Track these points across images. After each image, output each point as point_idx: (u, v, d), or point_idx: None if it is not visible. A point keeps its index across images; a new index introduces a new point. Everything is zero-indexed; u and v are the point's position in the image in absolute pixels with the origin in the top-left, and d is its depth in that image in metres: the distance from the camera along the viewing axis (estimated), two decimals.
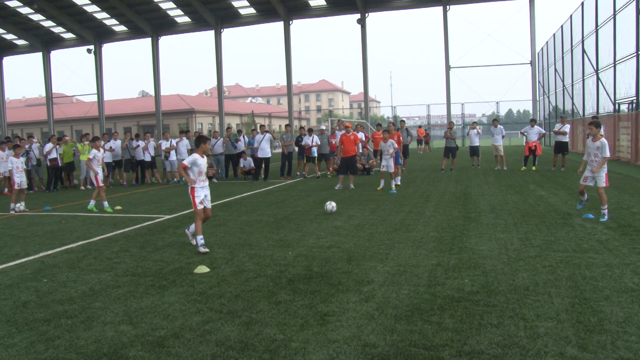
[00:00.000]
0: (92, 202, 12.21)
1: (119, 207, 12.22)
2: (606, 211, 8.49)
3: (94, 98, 48.06)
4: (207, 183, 7.55)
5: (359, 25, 39.61)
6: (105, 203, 12.03)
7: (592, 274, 5.53)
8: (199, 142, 7.46)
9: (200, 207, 7.35)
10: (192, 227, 7.54)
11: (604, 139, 8.62)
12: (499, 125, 20.71)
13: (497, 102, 50.47)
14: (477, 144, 21.29)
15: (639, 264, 5.85)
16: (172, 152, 19.10)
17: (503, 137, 20.75)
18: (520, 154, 24.53)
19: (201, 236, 7.28)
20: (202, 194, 7.39)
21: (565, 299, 4.78)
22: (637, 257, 6.17)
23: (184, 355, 3.87)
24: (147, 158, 19.25)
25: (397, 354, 3.75)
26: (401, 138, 16.89)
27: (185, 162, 7.36)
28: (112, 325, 4.53)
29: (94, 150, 12.39)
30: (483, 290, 5.13)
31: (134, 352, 3.96)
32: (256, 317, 4.62)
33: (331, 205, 10.39)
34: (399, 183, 15.30)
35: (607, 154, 8.44)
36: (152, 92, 53.10)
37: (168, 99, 63.51)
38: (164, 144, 19.22)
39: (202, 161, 7.40)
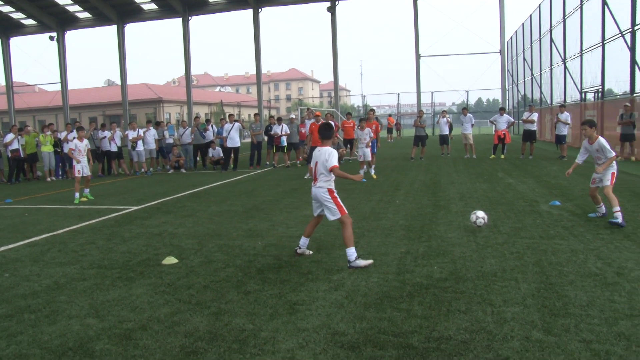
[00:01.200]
0: (87, 190, 12.23)
1: (85, 199, 11.97)
2: (619, 213, 7.12)
3: (58, 87, 46.78)
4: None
5: (329, 14, 39.48)
6: (77, 194, 11.78)
7: (557, 260, 5.67)
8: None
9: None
10: None
11: (601, 139, 7.64)
12: (468, 114, 20.98)
13: (467, 91, 51.03)
14: (447, 133, 21.54)
15: (603, 250, 6.02)
16: (140, 143, 18.80)
17: (472, 125, 21.04)
18: (489, 142, 24.96)
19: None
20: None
21: (531, 284, 4.90)
22: (600, 242, 6.36)
23: (152, 347, 3.84)
24: (114, 148, 18.90)
25: (367, 342, 3.79)
26: (379, 127, 16.94)
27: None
28: (77, 319, 4.45)
29: (76, 141, 12.10)
30: (452, 277, 5.22)
31: (100, 345, 3.90)
32: (225, 307, 4.60)
33: (476, 216, 7.26)
34: (373, 173, 15.33)
35: (611, 153, 7.48)
36: (118, 81, 51.94)
37: (135, 88, 62.30)
38: (131, 134, 18.89)
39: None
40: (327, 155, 5.86)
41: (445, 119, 21.27)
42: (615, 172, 7.56)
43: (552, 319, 4.06)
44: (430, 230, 7.41)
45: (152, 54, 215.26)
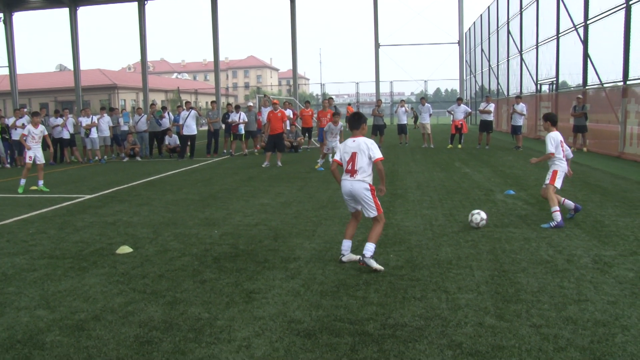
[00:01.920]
0: (40, 182, 11.40)
1: (35, 187, 11.54)
2: (557, 214, 6.73)
3: (5, 71, 44.74)
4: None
5: (289, 1, 39.17)
6: (22, 181, 11.25)
7: (511, 248, 5.83)
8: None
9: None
10: None
11: (549, 134, 7.11)
12: (426, 104, 21.30)
13: (426, 81, 51.76)
14: (405, 122, 21.80)
15: (554, 238, 6.22)
16: (93, 130, 18.24)
17: (430, 115, 21.35)
18: (446, 132, 25.39)
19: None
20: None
21: (485, 271, 5.03)
22: (552, 231, 6.56)
23: (105, 337, 3.77)
24: (66, 135, 18.28)
25: (323, 329, 3.82)
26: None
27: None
28: (27, 311, 4.31)
29: (30, 127, 11.49)
30: (408, 265, 5.31)
31: (51, 337, 3.80)
32: (181, 296, 4.56)
33: (478, 216, 6.78)
34: (330, 161, 15.45)
35: (548, 150, 7.03)
36: (70, 67, 50.15)
37: (88, 73, 60.27)
38: (84, 121, 18.30)
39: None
40: (370, 145, 5.35)
41: (403, 109, 21.53)
42: (559, 172, 6.97)
43: (505, 305, 4.18)
44: (387, 218, 7.43)
45: (107, 38, 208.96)
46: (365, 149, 5.33)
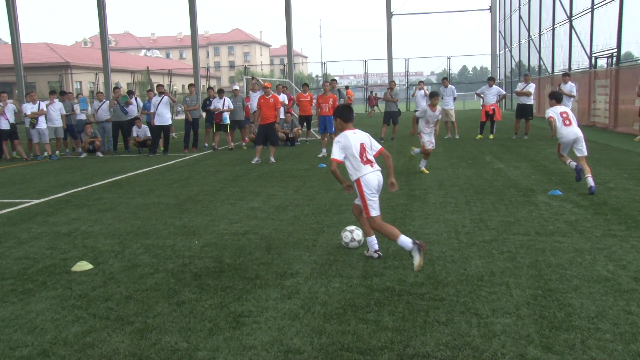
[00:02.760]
0: None
1: None
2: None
3: None
4: None
5: None
6: None
7: (558, 261, 5.79)
8: None
9: None
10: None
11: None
12: (449, 85, 21.28)
13: (449, 58, 51.73)
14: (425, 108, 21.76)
15: (615, 249, 6.16)
16: (41, 119, 18.22)
17: (455, 99, 21.34)
18: (475, 119, 25.41)
19: None
20: None
21: (526, 290, 5.00)
22: (612, 240, 6.50)
23: None
24: (5, 126, 18.15)
25: None
26: (337, 103, 17.03)
27: None
28: None
29: None
30: (429, 281, 5.30)
31: None
32: (153, 322, 4.54)
33: (350, 235, 6.54)
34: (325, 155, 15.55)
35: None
36: (7, 39, 50.18)
37: (32, 48, 60.43)
38: (29, 108, 18.27)
39: None
40: (369, 135, 6.18)
41: (422, 92, 21.51)
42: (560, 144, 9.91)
43: (553, 333, 4.15)
44: (404, 225, 7.50)
45: (56, 5, 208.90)
46: (368, 140, 6.04)
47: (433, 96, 12.60)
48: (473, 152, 15.75)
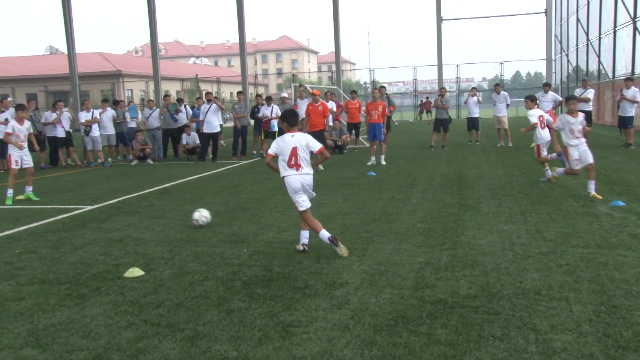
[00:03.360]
0: (29, 189, 11.85)
1: (22, 197, 11.90)
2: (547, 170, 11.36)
3: None
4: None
5: None
6: (10, 191, 11.46)
7: (622, 276, 5.62)
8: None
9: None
10: None
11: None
12: (502, 92, 20.98)
13: (502, 63, 50.88)
14: (477, 115, 21.52)
15: None
16: (95, 127, 18.71)
17: (508, 106, 21.02)
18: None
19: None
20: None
21: (588, 306, 4.86)
22: None
23: None
24: (61, 134, 18.78)
25: None
26: (386, 110, 16.99)
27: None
28: (11, 350, 4.40)
29: (14, 122, 11.73)
30: (483, 294, 5.22)
31: None
32: (203, 330, 4.60)
33: (199, 214, 8.46)
34: (383, 163, 15.53)
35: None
36: (64, 49, 51.78)
37: (86, 58, 62.08)
38: (83, 116, 18.80)
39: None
40: (308, 138, 6.87)
41: (474, 99, 21.28)
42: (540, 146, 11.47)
43: (620, 354, 4.01)
44: (455, 235, 7.41)
45: (109, 16, 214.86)
46: (305, 143, 6.78)
47: (570, 100, 10.52)
48: (528, 160, 15.46)
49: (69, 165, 19.09)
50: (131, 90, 64.93)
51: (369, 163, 15.70)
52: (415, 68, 53.07)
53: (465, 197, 10.17)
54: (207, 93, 19.57)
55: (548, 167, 11.46)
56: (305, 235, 6.90)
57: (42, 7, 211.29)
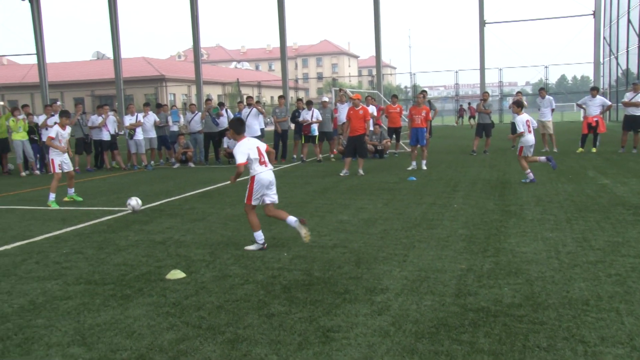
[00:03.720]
0: (71, 191, 12.15)
1: (67, 198, 12.17)
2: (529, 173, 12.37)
3: (33, 59, 47.52)
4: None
5: None
6: (52, 195, 11.53)
7: None
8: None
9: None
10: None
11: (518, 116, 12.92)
12: (547, 96, 20.59)
13: (546, 67, 50.01)
14: None
15: None
16: (138, 130, 19.05)
17: (553, 110, 20.66)
18: (576, 132, 24.44)
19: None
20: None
21: None
22: None
23: None
24: (106, 137, 19.18)
25: None
26: (430, 115, 16.87)
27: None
28: (58, 348, 4.50)
29: (58, 127, 11.98)
30: (527, 302, 5.12)
31: None
32: (243, 333, 4.62)
33: (134, 202, 10.43)
34: (424, 168, 15.48)
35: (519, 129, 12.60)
36: (110, 54, 52.88)
37: (131, 62, 63.38)
38: (128, 120, 19.16)
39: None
40: (258, 141, 7.65)
41: None
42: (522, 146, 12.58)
43: None
44: (498, 242, 7.30)
45: (153, 21, 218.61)
46: (259, 144, 7.52)
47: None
48: (574, 166, 15.16)
49: (113, 167, 19.46)
50: (174, 95, 65.98)
51: (410, 168, 15.60)
52: (457, 72, 52.70)
53: (508, 203, 10.02)
54: (248, 97, 19.73)
55: (529, 170, 12.43)
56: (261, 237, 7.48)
57: (90, 14, 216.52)
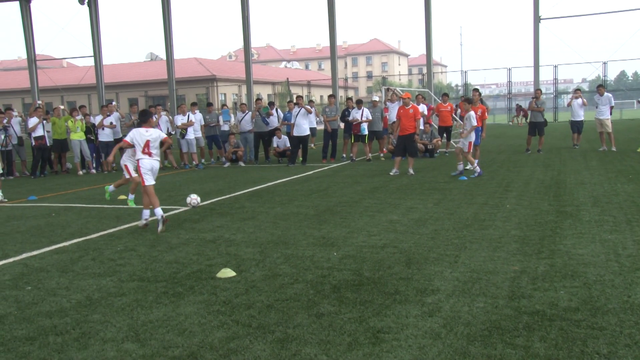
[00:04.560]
0: (131, 196, 11.79)
1: (123, 196, 12.43)
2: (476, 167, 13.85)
3: (90, 62, 48.62)
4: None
5: None
6: (132, 196, 11.59)
7: None
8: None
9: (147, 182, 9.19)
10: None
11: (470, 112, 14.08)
12: (605, 93, 20.04)
13: (605, 63, 48.49)
14: (582, 119, 20.65)
15: None
16: (190, 130, 19.34)
17: (612, 108, 20.11)
18: (636, 130, 23.76)
19: (147, 211, 9.25)
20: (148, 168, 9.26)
21: None
22: None
23: None
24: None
25: None
26: (486, 114, 16.56)
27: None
28: (113, 343, 4.59)
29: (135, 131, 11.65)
30: (585, 307, 4.97)
31: None
32: (293, 332, 4.62)
33: (191, 199, 11.06)
34: (462, 169, 15.21)
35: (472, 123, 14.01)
36: (163, 55, 53.87)
37: (183, 63, 64.39)
38: (179, 119, 19.48)
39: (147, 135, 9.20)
40: (159, 132, 9.36)
41: (580, 100, 20.38)
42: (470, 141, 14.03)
43: None
44: (553, 243, 7.14)
45: (205, 23, 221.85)
46: (157, 136, 9.13)
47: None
48: (635, 165, 14.70)
49: (166, 167, 19.76)
50: (224, 94, 66.74)
51: (459, 169, 15.36)
52: (509, 70, 51.64)
53: (564, 204, 9.78)
54: (298, 97, 19.80)
55: (462, 162, 14.05)
56: (146, 214, 9.06)
57: (144, 16, 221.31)
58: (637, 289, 5.41)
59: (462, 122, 15.38)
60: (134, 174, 9.86)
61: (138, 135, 9.03)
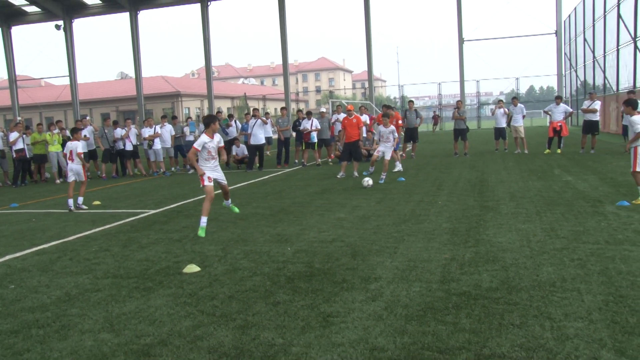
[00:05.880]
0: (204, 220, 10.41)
1: (97, 202, 12.20)
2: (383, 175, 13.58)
3: (66, 81, 47.59)
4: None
5: None
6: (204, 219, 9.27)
7: (629, 269, 5.48)
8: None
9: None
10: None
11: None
12: (519, 104, 20.60)
13: (517, 78, 50.00)
14: (504, 125, 21.13)
15: None
16: (157, 141, 19.07)
17: (524, 117, 20.67)
18: (543, 135, 24.50)
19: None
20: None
21: (597, 296, 4.76)
22: None
23: None
24: (129, 147, 19.18)
25: (409, 358, 3.75)
26: (400, 121, 16.85)
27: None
28: (91, 334, 4.53)
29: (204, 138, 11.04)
30: (503, 286, 5.13)
31: None
32: (252, 319, 4.63)
33: (366, 182, 12.51)
34: (400, 169, 15.64)
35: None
36: (132, 74, 52.91)
37: (151, 81, 63.34)
38: (147, 132, 19.17)
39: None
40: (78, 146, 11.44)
41: (502, 110, 20.84)
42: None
43: (626, 338, 3.92)
44: (478, 234, 7.31)
45: (169, 43, 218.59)
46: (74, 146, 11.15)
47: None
48: (542, 165, 15.17)
49: (135, 174, 19.45)
50: (188, 108, 65.88)
51: (396, 169, 15.58)
52: (439, 84, 52.55)
53: (487, 199, 10.03)
54: (254, 109, 19.75)
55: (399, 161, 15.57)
56: (71, 203, 11.04)
57: (115, 39, 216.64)
58: (543, 269, 5.61)
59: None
60: (207, 183, 8.31)
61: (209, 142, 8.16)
